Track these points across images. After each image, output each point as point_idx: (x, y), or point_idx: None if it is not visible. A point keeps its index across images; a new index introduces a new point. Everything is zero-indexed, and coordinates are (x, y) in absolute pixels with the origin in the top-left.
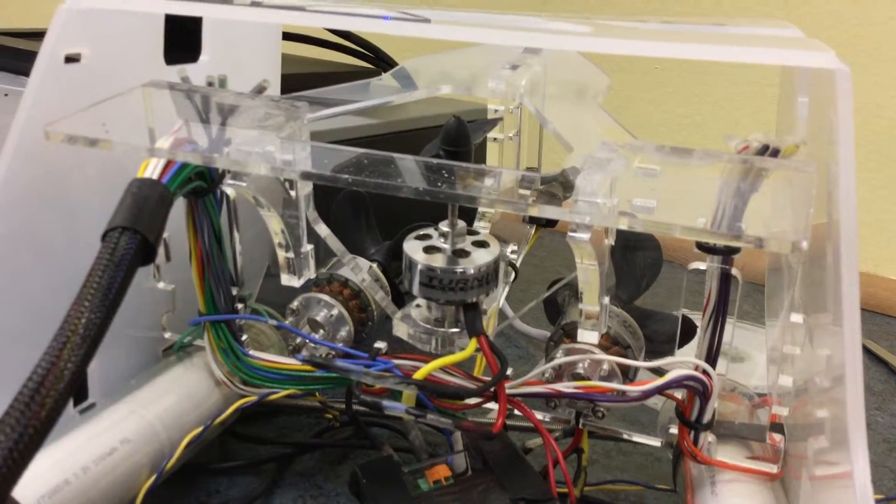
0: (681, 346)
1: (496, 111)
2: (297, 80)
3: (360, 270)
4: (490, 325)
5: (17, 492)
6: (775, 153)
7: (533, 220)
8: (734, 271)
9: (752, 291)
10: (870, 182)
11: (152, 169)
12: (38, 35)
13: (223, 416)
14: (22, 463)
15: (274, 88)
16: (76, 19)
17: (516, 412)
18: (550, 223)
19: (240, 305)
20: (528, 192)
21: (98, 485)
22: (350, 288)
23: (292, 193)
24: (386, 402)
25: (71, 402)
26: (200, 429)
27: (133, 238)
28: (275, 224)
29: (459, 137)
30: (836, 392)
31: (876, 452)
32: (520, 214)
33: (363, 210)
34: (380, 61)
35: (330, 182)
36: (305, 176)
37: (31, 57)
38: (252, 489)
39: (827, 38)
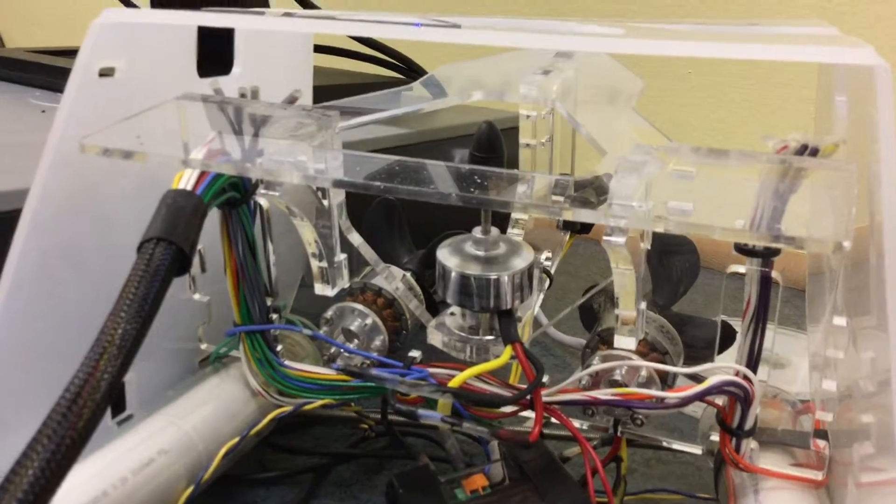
0: (720, 351)
1: (528, 117)
2: (328, 91)
3: (394, 279)
4: (525, 332)
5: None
6: (814, 152)
7: (567, 227)
8: (774, 274)
9: (793, 297)
10: None
11: (186, 180)
12: (74, 53)
13: (259, 426)
14: (60, 474)
15: (305, 99)
16: (109, 34)
17: (553, 420)
18: (585, 229)
19: (274, 316)
20: (561, 199)
21: (136, 496)
22: (384, 297)
23: (325, 202)
24: (421, 411)
25: (108, 414)
26: (237, 439)
27: (168, 249)
28: (308, 233)
29: (491, 143)
30: (883, 395)
31: None
32: (554, 221)
33: (396, 219)
34: (411, 71)
35: (362, 190)
36: (337, 184)
37: (67, 74)
38: (289, 499)
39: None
